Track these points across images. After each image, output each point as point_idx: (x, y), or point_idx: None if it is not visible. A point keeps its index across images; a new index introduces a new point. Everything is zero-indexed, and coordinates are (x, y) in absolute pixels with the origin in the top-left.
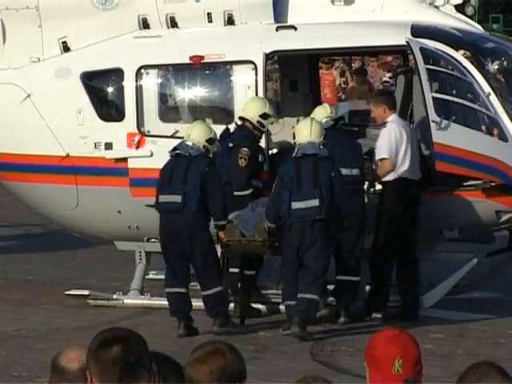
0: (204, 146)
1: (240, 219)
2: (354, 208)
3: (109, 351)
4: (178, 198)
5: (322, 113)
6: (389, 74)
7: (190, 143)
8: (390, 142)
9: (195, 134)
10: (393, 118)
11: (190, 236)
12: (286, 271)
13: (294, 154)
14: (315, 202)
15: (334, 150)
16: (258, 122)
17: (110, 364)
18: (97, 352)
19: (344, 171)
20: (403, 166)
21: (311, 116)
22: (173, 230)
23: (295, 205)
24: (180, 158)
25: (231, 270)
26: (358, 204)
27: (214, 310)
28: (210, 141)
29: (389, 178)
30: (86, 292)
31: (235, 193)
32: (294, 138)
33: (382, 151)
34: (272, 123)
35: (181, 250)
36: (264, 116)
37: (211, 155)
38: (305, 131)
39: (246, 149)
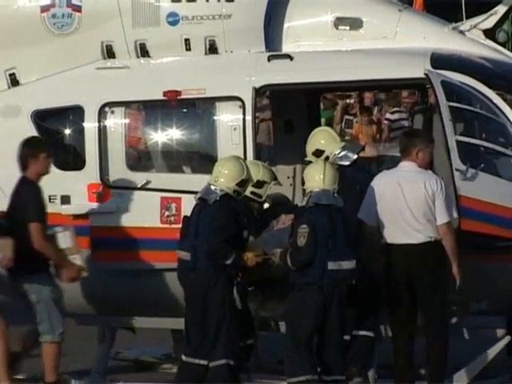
0: (234, 191)
1: (258, 238)
2: None
3: None
4: (188, 256)
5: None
6: (395, 109)
7: (214, 188)
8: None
9: (224, 176)
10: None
11: (203, 297)
12: (300, 339)
13: (304, 203)
14: (351, 264)
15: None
16: None
17: None
18: None
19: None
20: (384, 230)
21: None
22: (186, 291)
23: (331, 265)
24: (200, 205)
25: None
26: None
27: None
28: (241, 183)
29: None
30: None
31: None
32: (303, 183)
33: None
34: None
35: (193, 315)
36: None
37: (239, 197)
38: (316, 177)
39: None
